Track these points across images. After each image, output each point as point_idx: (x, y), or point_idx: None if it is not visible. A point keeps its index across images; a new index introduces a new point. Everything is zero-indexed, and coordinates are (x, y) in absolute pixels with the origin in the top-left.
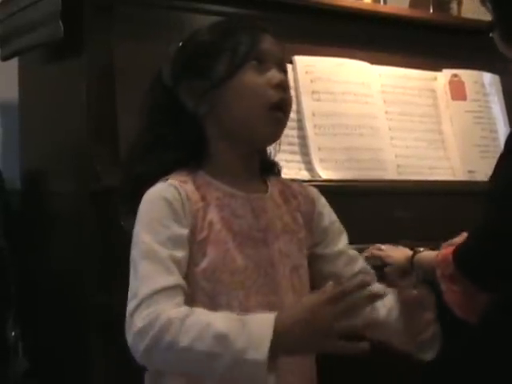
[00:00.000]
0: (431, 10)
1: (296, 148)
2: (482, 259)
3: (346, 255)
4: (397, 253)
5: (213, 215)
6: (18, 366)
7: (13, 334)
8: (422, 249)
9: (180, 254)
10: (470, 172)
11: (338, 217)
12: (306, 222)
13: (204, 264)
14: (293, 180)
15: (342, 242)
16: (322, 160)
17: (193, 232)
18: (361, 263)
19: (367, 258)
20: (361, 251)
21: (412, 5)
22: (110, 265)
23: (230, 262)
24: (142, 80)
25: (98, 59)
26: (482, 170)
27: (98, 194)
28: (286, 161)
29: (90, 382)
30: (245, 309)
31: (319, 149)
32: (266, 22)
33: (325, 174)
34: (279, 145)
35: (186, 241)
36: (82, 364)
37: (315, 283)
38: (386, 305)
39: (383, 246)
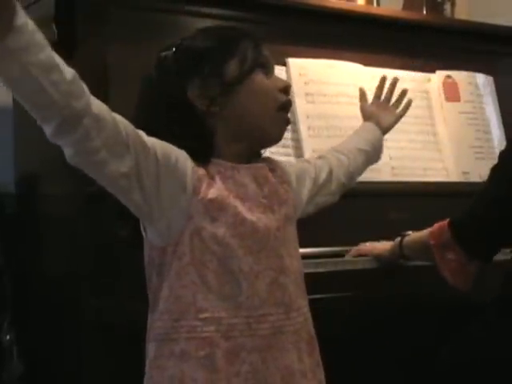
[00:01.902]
0: (424, 12)
1: (290, 150)
2: (474, 226)
3: (315, 182)
4: (381, 245)
5: (218, 185)
6: (13, 370)
7: (8, 337)
8: (409, 232)
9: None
10: (464, 173)
11: (332, 218)
12: (291, 189)
13: (214, 229)
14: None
15: (307, 181)
16: None
17: (196, 191)
18: (310, 168)
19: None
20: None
21: (405, 6)
22: (104, 268)
23: (240, 225)
24: (136, 83)
25: (91, 62)
26: (476, 172)
27: (93, 197)
28: None
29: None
30: (256, 273)
31: (313, 151)
32: (259, 25)
33: None
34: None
35: (159, 163)
36: (77, 367)
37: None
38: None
39: (367, 243)
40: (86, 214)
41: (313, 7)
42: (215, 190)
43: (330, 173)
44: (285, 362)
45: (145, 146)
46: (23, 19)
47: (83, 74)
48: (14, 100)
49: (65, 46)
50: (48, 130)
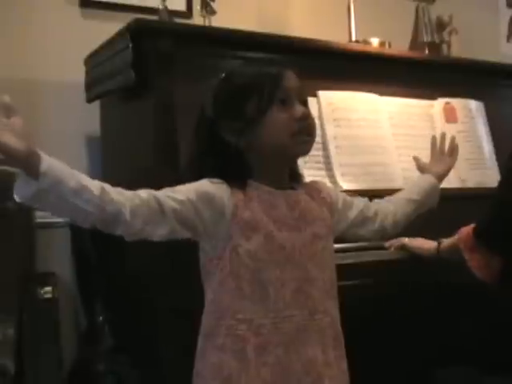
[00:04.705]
0: (427, 51)
1: (322, 165)
2: (493, 227)
3: (360, 212)
4: (425, 245)
5: (254, 205)
6: (105, 343)
7: (100, 318)
8: (443, 239)
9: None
10: (462, 180)
11: None
12: (331, 212)
13: (248, 246)
14: (312, 181)
15: (354, 209)
16: (343, 174)
17: (234, 215)
18: (360, 202)
19: (388, 248)
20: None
21: (411, 47)
22: (174, 266)
23: (270, 243)
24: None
25: (162, 100)
26: (472, 179)
27: None
28: (314, 176)
29: (161, 353)
30: (281, 282)
31: (340, 165)
32: (295, 65)
33: (346, 185)
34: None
35: (198, 216)
36: (154, 342)
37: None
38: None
39: (406, 239)
40: None
41: (337, 50)
42: (250, 212)
43: (376, 214)
44: (307, 354)
45: (181, 201)
46: (47, 163)
47: (155, 110)
48: (101, 132)
49: (141, 87)
50: (100, 228)
